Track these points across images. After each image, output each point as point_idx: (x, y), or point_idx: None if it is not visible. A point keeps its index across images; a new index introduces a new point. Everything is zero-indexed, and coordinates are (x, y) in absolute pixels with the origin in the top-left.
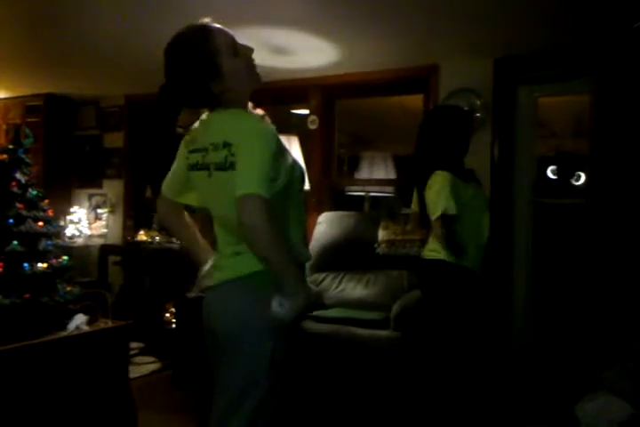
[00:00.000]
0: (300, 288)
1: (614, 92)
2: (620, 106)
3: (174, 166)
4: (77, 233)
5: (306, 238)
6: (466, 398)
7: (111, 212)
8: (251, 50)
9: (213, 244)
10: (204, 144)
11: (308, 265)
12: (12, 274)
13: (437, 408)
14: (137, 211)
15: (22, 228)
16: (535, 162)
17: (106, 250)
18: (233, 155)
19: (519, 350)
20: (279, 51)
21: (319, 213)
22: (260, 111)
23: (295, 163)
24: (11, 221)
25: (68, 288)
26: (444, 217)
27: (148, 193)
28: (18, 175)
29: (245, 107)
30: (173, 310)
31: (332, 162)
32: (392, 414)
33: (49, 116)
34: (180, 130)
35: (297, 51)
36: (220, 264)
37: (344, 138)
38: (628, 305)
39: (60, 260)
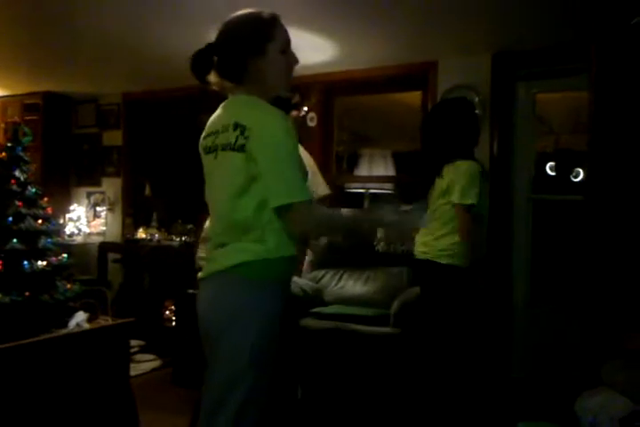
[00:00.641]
0: (385, 220)
1: (613, 89)
2: (619, 102)
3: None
4: (76, 231)
5: None
6: (465, 395)
7: (110, 210)
8: (296, 61)
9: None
10: (217, 127)
11: (307, 262)
12: (11, 272)
13: (436, 404)
14: (136, 209)
15: (22, 226)
16: (534, 158)
17: (105, 248)
18: (246, 138)
19: (519, 346)
20: None
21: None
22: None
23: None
24: (10, 219)
25: (68, 286)
26: (471, 209)
27: (147, 191)
28: (17, 173)
29: (265, 100)
30: (173, 307)
31: (331, 159)
32: (392, 409)
33: (47, 114)
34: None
35: (296, 48)
36: (209, 256)
37: (344, 135)
38: (626, 301)
39: (59, 258)
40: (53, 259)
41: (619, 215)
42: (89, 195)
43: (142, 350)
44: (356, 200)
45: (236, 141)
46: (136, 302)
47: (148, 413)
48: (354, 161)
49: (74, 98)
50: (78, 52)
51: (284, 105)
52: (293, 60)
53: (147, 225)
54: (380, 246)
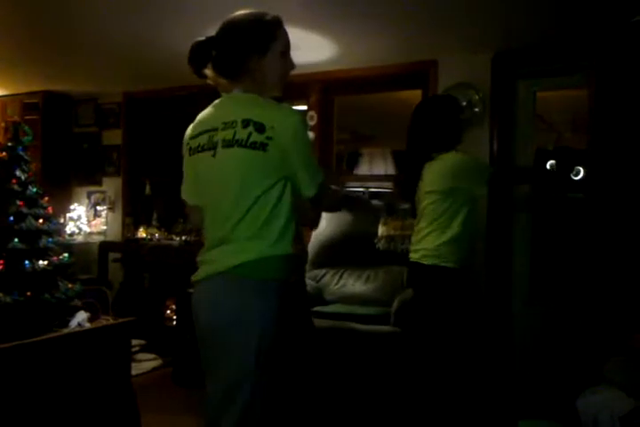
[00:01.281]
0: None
1: (613, 87)
2: (619, 100)
3: (185, 171)
4: (77, 230)
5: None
6: (466, 393)
7: (110, 209)
8: (293, 66)
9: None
10: (213, 125)
11: (308, 260)
12: (13, 271)
13: (437, 403)
14: (136, 208)
15: (23, 225)
16: (534, 156)
17: (105, 247)
18: (269, 138)
19: (520, 344)
20: None
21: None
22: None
23: None
24: (11, 218)
25: (70, 285)
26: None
27: (147, 190)
28: (17, 173)
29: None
30: (174, 306)
31: (331, 158)
32: (393, 408)
33: (47, 113)
34: None
35: (295, 47)
36: (205, 258)
37: (344, 134)
38: (627, 299)
39: (60, 257)
40: (54, 258)
41: (619, 213)
42: (89, 194)
43: (143, 349)
44: None
45: (248, 138)
46: (137, 301)
47: (149, 412)
48: (354, 160)
49: (74, 97)
50: (78, 51)
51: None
52: (290, 64)
53: (147, 224)
54: (381, 245)
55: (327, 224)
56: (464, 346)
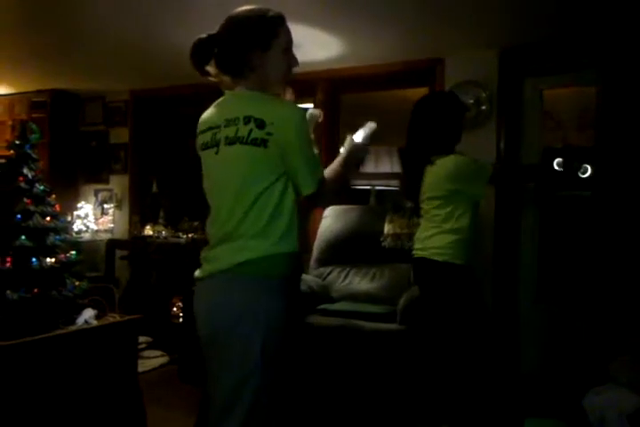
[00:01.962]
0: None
1: (621, 84)
2: (627, 98)
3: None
4: (84, 228)
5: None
6: (472, 391)
7: (117, 207)
8: (296, 63)
9: None
10: (216, 122)
11: (313, 259)
12: (20, 269)
13: (443, 401)
14: (143, 206)
15: (30, 223)
16: (541, 154)
17: (112, 245)
18: (269, 134)
19: (526, 342)
20: None
21: (324, 207)
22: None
23: None
24: (19, 216)
25: (77, 283)
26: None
27: (154, 188)
28: (25, 171)
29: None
30: (180, 304)
31: (337, 156)
32: (398, 406)
33: (54, 111)
34: None
35: (302, 45)
36: (209, 255)
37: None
38: (634, 297)
39: (67, 255)
40: (62, 256)
41: (627, 211)
42: (96, 192)
43: (150, 346)
44: (361, 197)
45: (249, 135)
46: (143, 298)
47: (155, 409)
48: None
49: (81, 95)
50: (86, 49)
51: None
52: (294, 61)
53: (154, 222)
54: (387, 243)
55: (333, 222)
56: (472, 343)
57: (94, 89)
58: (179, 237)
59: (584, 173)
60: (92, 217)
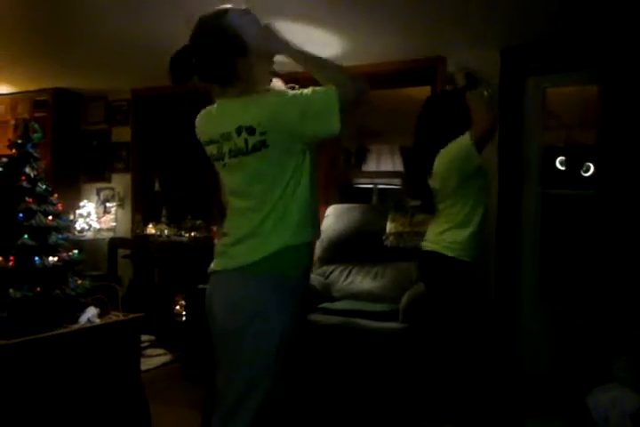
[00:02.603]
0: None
1: (623, 83)
2: (629, 96)
3: None
4: (87, 227)
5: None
6: (475, 391)
7: (120, 205)
8: (277, 48)
9: None
10: (214, 137)
11: (316, 258)
12: (23, 268)
13: (445, 400)
14: (145, 204)
15: (32, 222)
16: (543, 153)
17: (115, 243)
18: (263, 133)
19: (529, 342)
20: None
21: (327, 205)
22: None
23: None
24: (21, 215)
25: (79, 281)
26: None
27: (157, 186)
28: (27, 170)
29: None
30: (183, 302)
31: (339, 154)
32: (401, 405)
33: (57, 110)
34: None
35: (302, 44)
36: (224, 250)
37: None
38: (637, 296)
39: (70, 253)
40: (64, 254)
41: (630, 210)
42: (99, 191)
43: (153, 344)
44: (364, 195)
45: (246, 145)
46: (146, 297)
47: (159, 407)
48: (362, 156)
49: (83, 94)
50: (88, 48)
51: None
52: (274, 47)
53: (156, 221)
54: (389, 241)
55: (336, 221)
56: (475, 341)
57: (96, 88)
58: (181, 235)
59: (587, 172)
60: (94, 216)
